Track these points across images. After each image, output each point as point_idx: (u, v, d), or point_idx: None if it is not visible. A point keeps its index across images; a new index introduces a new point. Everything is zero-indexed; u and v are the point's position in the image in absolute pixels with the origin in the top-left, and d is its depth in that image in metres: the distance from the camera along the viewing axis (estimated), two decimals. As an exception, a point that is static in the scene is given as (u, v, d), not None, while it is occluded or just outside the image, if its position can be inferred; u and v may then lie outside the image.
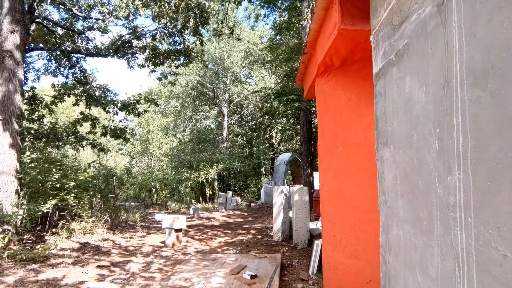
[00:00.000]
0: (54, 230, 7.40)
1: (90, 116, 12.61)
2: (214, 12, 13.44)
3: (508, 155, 0.67)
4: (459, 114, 0.83)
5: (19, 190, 6.83)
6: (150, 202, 18.03)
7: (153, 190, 18.46)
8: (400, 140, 1.29)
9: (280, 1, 16.92)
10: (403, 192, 1.28)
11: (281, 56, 17.36)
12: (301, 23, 13.36)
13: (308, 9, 11.64)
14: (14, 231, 6.62)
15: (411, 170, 1.18)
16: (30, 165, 7.25)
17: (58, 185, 7.17)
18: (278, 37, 18.63)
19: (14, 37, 6.77)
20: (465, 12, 0.81)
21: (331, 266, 3.37)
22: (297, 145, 25.05)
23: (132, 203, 15.87)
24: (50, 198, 7.23)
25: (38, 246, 6.32)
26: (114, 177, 11.72)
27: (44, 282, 4.78)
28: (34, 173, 7.05)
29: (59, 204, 7.31)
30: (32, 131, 8.92)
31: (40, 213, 6.70)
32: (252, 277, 4.24)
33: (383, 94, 1.53)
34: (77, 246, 6.87)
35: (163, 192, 19.24)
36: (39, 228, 7.68)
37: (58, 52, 12.54)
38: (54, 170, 7.44)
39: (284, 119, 21.87)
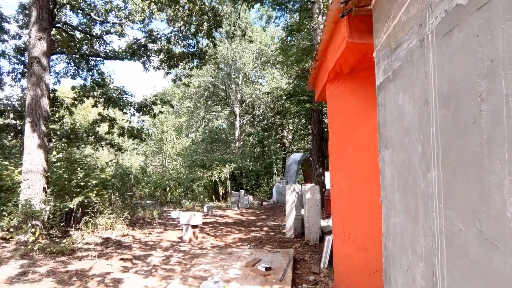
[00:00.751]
0: (77, 225, 7.83)
1: (108, 117, 13.08)
2: (227, 16, 13.75)
3: (460, 158, 0.93)
4: (434, 126, 1.09)
5: (46, 188, 7.26)
6: (165, 200, 18.48)
7: (168, 188, 18.91)
8: (396, 144, 1.55)
9: (291, 3, 17.09)
10: (398, 187, 1.54)
11: (291, 58, 17.55)
12: (312, 25, 13.56)
13: (320, 16, 11.82)
14: (42, 226, 7.05)
15: (404, 169, 1.44)
16: (56, 164, 7.69)
17: (82, 183, 7.59)
18: (289, 38, 18.82)
19: (41, 44, 7.20)
20: (437, 50, 1.07)
21: (341, 258, 3.63)
22: (308, 145, 25.21)
23: (148, 201, 16.31)
24: (74, 195, 7.66)
25: (64, 240, 6.73)
26: (131, 176, 12.15)
27: (73, 273, 5.16)
28: (60, 171, 7.48)
29: (82, 201, 7.71)
30: (58, 132, 9.37)
31: (67, 209, 7.12)
32: (267, 269, 4.53)
33: (383, 104, 1.79)
34: (100, 240, 7.26)
35: (177, 190, 19.68)
36: (63, 224, 8.13)
37: (77, 56, 13.04)
38: (78, 169, 7.86)
39: (296, 119, 22.09)
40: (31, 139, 7.02)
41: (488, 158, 0.80)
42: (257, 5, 15.48)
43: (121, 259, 5.96)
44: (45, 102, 7.19)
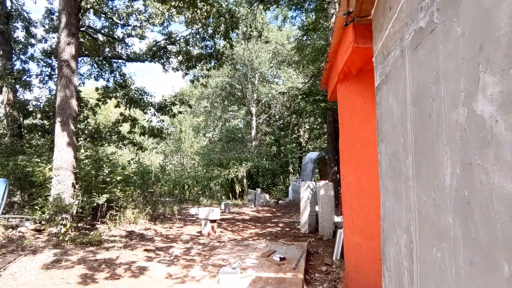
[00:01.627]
0: (103, 219, 8.31)
1: (130, 117, 13.61)
2: (243, 17, 14.04)
3: (424, 145, 1.18)
4: (409, 121, 1.34)
5: (74, 183, 7.75)
6: (183, 198, 18.97)
7: (186, 186, 19.40)
8: (388, 138, 1.80)
9: (307, 3, 17.21)
10: (390, 174, 1.79)
11: (307, 58, 17.68)
12: (327, 24, 13.70)
13: (334, 17, 11.94)
14: (71, 219, 7.54)
15: (393, 158, 1.69)
16: (84, 162, 8.19)
17: (107, 179, 8.06)
18: (305, 37, 18.95)
19: (70, 48, 7.70)
20: (410, 60, 1.32)
21: (350, 247, 3.88)
22: (324, 144, 25.28)
23: (167, 199, 16.82)
24: (100, 191, 8.14)
25: (91, 233, 7.20)
26: (152, 173, 12.64)
27: (102, 261, 5.58)
28: (87, 168, 7.97)
29: (109, 196, 8.18)
30: (86, 131, 9.90)
31: (95, 204, 7.59)
32: (281, 259, 4.81)
33: (380, 103, 2.04)
34: (124, 233, 7.71)
35: (195, 188, 20.15)
36: (89, 217, 8.63)
37: (101, 58, 13.64)
38: (104, 166, 8.34)
39: (312, 118, 22.20)
40: (61, 138, 7.51)
41: (436, 144, 1.05)
42: (273, 6, 15.70)
43: (145, 249, 6.36)
44: (73, 102, 7.67)
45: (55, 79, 13.56)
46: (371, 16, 2.25)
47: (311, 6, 17.16)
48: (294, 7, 18.00)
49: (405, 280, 1.52)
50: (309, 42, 18.02)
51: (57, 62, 11.88)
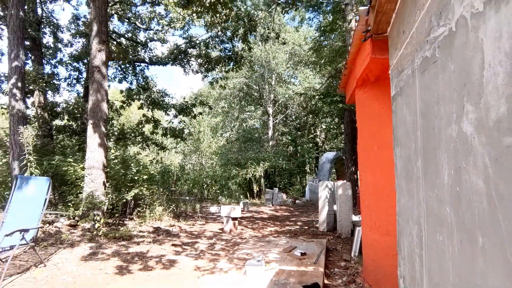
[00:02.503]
0: (130, 216, 8.79)
1: (152, 118, 14.15)
2: (262, 20, 14.35)
3: (429, 151, 1.46)
4: (419, 130, 1.62)
5: (105, 182, 8.24)
6: (202, 197, 19.44)
7: (205, 186, 19.86)
8: (402, 143, 2.07)
9: (324, 4, 17.34)
10: (404, 175, 2.06)
11: (323, 60, 17.79)
12: (345, 26, 13.83)
13: (353, 21, 12.10)
14: (102, 216, 8.03)
15: (407, 160, 1.96)
16: (114, 161, 8.68)
17: (135, 177, 8.53)
18: (322, 38, 19.08)
19: (101, 55, 8.18)
20: (419, 81, 1.59)
21: (368, 243, 4.13)
22: (341, 144, 25.32)
23: (186, 198, 17.31)
24: (127, 189, 8.61)
25: (121, 228, 7.66)
26: (175, 173, 13.11)
27: (134, 254, 6.00)
28: (117, 167, 8.46)
29: (136, 195, 8.64)
30: (113, 133, 10.41)
31: (124, 200, 8.06)
32: (302, 254, 5.10)
33: (395, 112, 2.31)
34: (151, 229, 8.15)
35: (214, 188, 20.60)
36: (117, 214, 9.13)
37: (125, 62, 14.22)
38: (132, 165, 8.82)
39: (329, 118, 22.32)
40: (92, 139, 8.01)
41: (438, 151, 1.32)
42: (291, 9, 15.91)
43: (172, 244, 6.76)
44: (104, 106, 8.16)
45: (82, 82, 14.24)
46: (387, 33, 2.52)
47: (328, 8, 17.30)
48: (311, 9, 18.18)
49: (417, 265, 1.80)
50: (326, 43, 18.17)
51: (88, 68, 12.50)
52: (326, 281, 4.47)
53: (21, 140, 7.56)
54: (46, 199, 5.49)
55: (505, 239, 0.82)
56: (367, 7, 2.63)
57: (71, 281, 4.73)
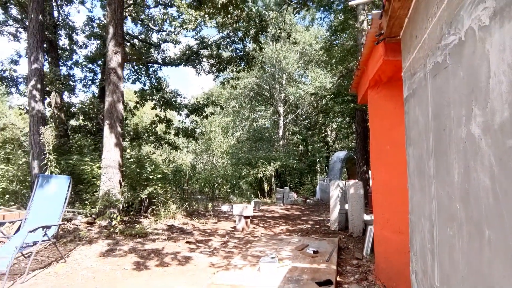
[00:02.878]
0: (145, 214, 8.99)
1: (165, 119, 14.38)
2: (273, 20, 14.42)
3: (440, 151, 1.54)
4: (430, 131, 1.70)
5: (121, 181, 8.45)
6: (213, 196, 19.63)
7: (216, 185, 20.06)
8: (414, 143, 2.15)
9: (335, 4, 17.30)
10: (416, 173, 2.14)
11: (334, 60, 17.76)
12: (357, 25, 13.82)
13: (365, 22, 12.09)
14: (118, 213, 8.25)
15: (419, 159, 2.04)
16: (129, 160, 8.90)
17: (150, 176, 8.73)
18: (333, 37, 19.04)
19: (117, 57, 8.39)
20: (431, 84, 1.67)
21: (380, 241, 4.21)
22: (352, 143, 25.23)
23: (198, 197, 17.51)
24: (142, 188, 8.82)
25: (137, 226, 7.86)
26: (187, 172, 13.31)
27: (150, 251, 6.18)
28: (133, 167, 8.67)
29: (150, 193, 8.84)
30: (132, 133, 10.64)
31: (139, 198, 8.26)
32: (314, 252, 5.19)
33: (408, 113, 2.39)
34: (165, 227, 8.33)
35: (225, 187, 20.79)
36: (132, 212, 9.35)
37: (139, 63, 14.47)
38: (146, 164, 9.03)
39: (340, 117, 22.27)
40: (109, 139, 8.22)
41: (449, 151, 1.41)
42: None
43: (187, 242, 6.92)
44: (120, 106, 8.37)
45: (97, 83, 14.55)
46: (400, 37, 2.60)
47: (340, 7, 17.26)
48: (322, 8, 18.17)
49: (428, 259, 1.89)
50: (337, 42, 18.14)
51: (103, 69, 12.77)
52: (338, 279, 4.55)
53: (41, 140, 7.82)
54: (66, 197, 5.69)
55: (508, 231, 0.91)
56: (380, 11, 2.71)
57: (91, 276, 4.92)
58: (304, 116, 29.06)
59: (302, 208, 14.56)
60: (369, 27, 3.16)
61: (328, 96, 15.27)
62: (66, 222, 7.93)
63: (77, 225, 7.91)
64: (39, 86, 8.49)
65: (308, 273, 4.24)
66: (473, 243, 1.16)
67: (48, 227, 5.08)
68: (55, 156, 7.70)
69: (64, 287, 4.48)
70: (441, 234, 1.58)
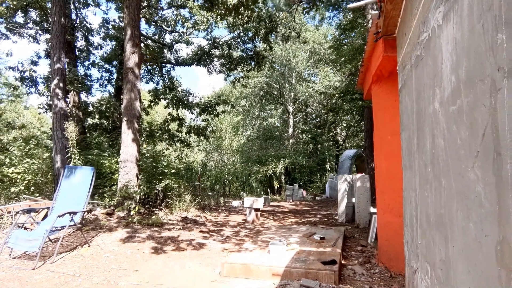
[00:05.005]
0: (160, 207, 9.42)
1: (178, 117, 14.83)
2: (283, 20, 14.72)
3: (419, 129, 1.87)
4: (414, 113, 2.02)
5: (138, 174, 8.89)
6: (224, 193, 20.02)
7: (226, 182, 20.44)
8: (405, 127, 2.47)
9: (344, 3, 17.49)
10: (407, 153, 2.46)
11: (342, 58, 17.97)
12: (365, 24, 14.03)
13: (372, 11, 12.29)
14: (134, 205, 8.69)
15: (408, 140, 2.35)
16: (146, 155, 9.34)
17: (165, 170, 9.16)
18: (342, 36, 19.23)
19: (134, 57, 8.83)
20: (414, 74, 1.99)
21: (382, 225, 4.51)
22: (362, 142, 25.35)
23: (209, 193, 17.92)
24: (157, 181, 9.24)
25: (153, 217, 8.28)
26: (199, 168, 13.73)
27: (167, 238, 6.58)
28: (149, 161, 9.11)
29: (165, 187, 9.26)
30: (147, 129, 11.09)
31: (155, 190, 8.69)
32: (321, 238, 5.51)
33: (401, 102, 2.70)
34: (179, 219, 8.74)
35: (235, 184, 21.16)
36: (147, 205, 9.79)
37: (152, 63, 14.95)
38: (162, 159, 9.46)
39: (349, 116, 22.44)
40: (127, 135, 8.66)
41: (424, 126, 1.74)
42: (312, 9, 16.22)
43: (200, 231, 7.31)
44: (137, 104, 8.81)
45: (113, 83, 15.10)
46: (396, 34, 2.92)
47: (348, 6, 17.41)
48: (331, 8, 18.40)
49: (414, 224, 2.21)
50: (346, 41, 18.34)
51: (119, 69, 13.28)
52: (343, 262, 4.87)
53: (65, 135, 8.30)
54: (91, 186, 6.12)
55: (452, 174, 1.23)
56: (378, 12, 3.04)
57: (114, 258, 5.33)
58: (314, 115, 29.29)
59: (311, 204, 14.85)
60: (370, 26, 3.48)
61: (337, 95, 15.50)
62: (86, 213, 8.41)
63: (97, 216, 8.38)
64: (61, 84, 8.99)
65: (314, 255, 4.57)
66: (437, 194, 1.48)
67: (75, 213, 5.51)
68: (78, 150, 8.16)
69: (90, 267, 4.90)
70: (421, 198, 1.90)
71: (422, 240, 1.95)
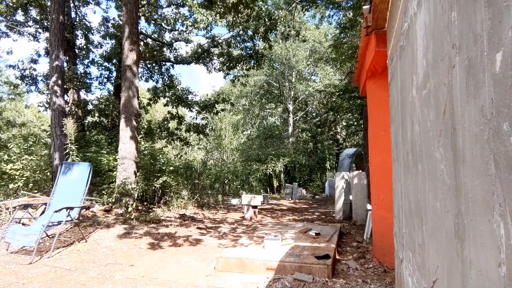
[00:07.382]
0: (158, 204, 9.45)
1: (177, 115, 14.86)
2: (282, 19, 14.73)
3: (402, 119, 1.89)
4: (399, 104, 2.05)
5: (136, 171, 8.93)
6: (223, 192, 20.03)
7: (226, 181, 20.46)
8: (393, 120, 2.49)
9: (344, 1, 17.41)
10: (395, 146, 2.49)
11: (342, 57, 17.97)
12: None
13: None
14: (132, 202, 8.72)
15: (396, 133, 2.38)
16: (144, 152, 9.38)
17: (163, 168, 9.19)
18: (342, 34, 19.21)
19: (132, 54, 8.86)
20: (399, 64, 2.02)
21: (376, 220, 4.53)
22: (361, 141, 25.35)
23: (209, 192, 17.93)
24: (156, 178, 9.28)
25: (150, 214, 8.31)
26: (198, 166, 13.76)
27: (164, 234, 6.61)
28: (146, 158, 9.14)
29: (162, 184, 9.29)
30: (146, 126, 11.12)
31: (153, 187, 8.72)
32: (317, 234, 5.53)
33: (391, 95, 2.72)
34: (177, 216, 8.77)
35: (235, 183, 21.18)
36: (146, 202, 9.83)
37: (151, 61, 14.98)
38: (160, 156, 9.49)
39: (349, 114, 22.44)
40: (125, 132, 8.69)
41: (406, 115, 1.76)
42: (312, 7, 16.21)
43: (197, 227, 7.35)
44: (135, 102, 8.84)
45: (112, 81, 15.13)
46: (385, 28, 2.94)
47: (349, 4, 17.44)
48: (331, 6, 18.36)
49: (400, 215, 2.23)
50: (346, 39, 18.34)
51: (118, 67, 13.31)
52: (338, 257, 4.90)
53: (64, 132, 8.34)
54: (87, 182, 6.16)
55: (424, 157, 1.25)
56: (369, 6, 3.06)
57: (110, 253, 5.37)
58: (314, 114, 29.28)
59: (310, 202, 14.87)
60: (362, 21, 3.50)
61: (336, 93, 15.52)
62: (84, 210, 8.45)
63: (95, 212, 8.42)
64: (59, 82, 9.03)
65: (308, 250, 4.59)
66: (416, 180, 1.51)
67: (71, 208, 5.54)
68: (76, 146, 8.20)
69: (86, 262, 4.93)
70: (405, 187, 1.93)
71: (406, 229, 1.97)
